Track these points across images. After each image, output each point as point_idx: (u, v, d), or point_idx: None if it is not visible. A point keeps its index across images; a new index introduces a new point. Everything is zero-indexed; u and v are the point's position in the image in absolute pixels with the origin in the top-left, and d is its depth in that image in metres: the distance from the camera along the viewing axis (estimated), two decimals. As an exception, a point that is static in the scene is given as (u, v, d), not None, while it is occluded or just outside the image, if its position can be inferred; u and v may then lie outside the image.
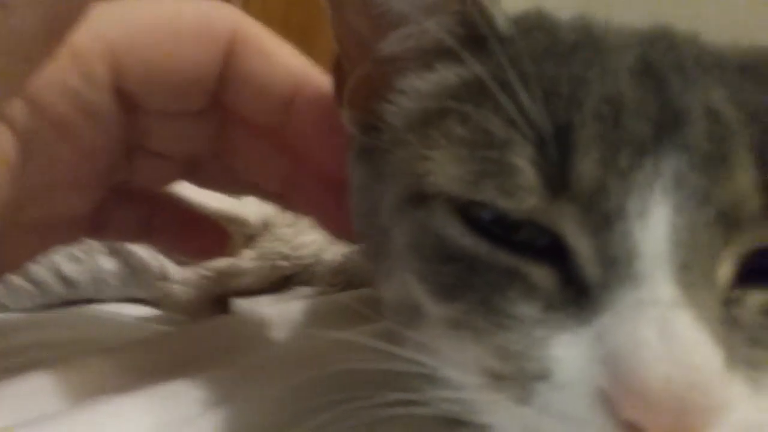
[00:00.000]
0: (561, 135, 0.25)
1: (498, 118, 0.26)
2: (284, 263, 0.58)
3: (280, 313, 0.47)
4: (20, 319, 0.55)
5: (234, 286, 0.58)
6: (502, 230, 0.26)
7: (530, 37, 0.28)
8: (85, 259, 0.61)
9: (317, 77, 0.36)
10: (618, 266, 0.24)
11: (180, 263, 0.61)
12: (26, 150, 0.33)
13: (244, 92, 0.36)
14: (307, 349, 0.38)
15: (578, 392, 0.23)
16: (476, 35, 0.28)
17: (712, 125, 0.25)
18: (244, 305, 0.56)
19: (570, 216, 0.25)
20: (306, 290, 0.60)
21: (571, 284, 0.25)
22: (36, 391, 0.32)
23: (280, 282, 0.61)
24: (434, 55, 0.30)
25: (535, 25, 0.29)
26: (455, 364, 0.26)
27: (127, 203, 0.41)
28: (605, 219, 0.24)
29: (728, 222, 0.24)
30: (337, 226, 0.39)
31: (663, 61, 0.27)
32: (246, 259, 0.58)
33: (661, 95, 0.26)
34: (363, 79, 0.32)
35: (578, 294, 0.24)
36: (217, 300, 0.59)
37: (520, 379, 0.24)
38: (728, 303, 0.24)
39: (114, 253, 0.62)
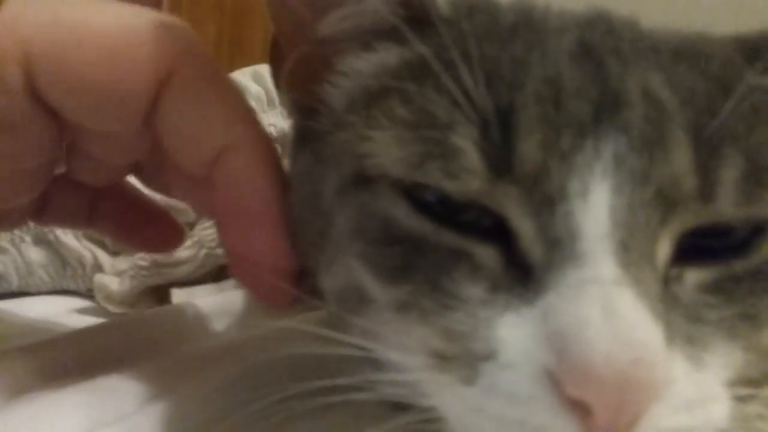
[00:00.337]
0: (503, 117, 0.25)
1: (441, 99, 0.26)
2: (221, 251, 0.57)
3: (219, 302, 0.46)
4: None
5: (172, 276, 0.57)
6: (447, 211, 0.26)
7: (471, 18, 0.28)
8: (9, 249, 0.59)
9: (252, 135, 0.32)
10: (560, 246, 0.24)
11: (113, 253, 0.60)
12: None
13: (170, 133, 0.32)
14: (248, 339, 0.38)
15: (524, 372, 0.23)
16: (416, 16, 0.28)
17: (649, 108, 0.25)
18: (181, 295, 0.55)
19: (513, 197, 0.25)
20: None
21: (515, 265, 0.25)
22: None
23: (220, 271, 0.60)
24: (374, 35, 0.29)
25: (475, 7, 0.29)
26: (401, 347, 0.26)
27: (69, 189, 0.39)
28: (547, 200, 0.24)
29: (666, 202, 0.25)
30: (249, 280, 0.35)
31: (602, 44, 0.27)
32: (182, 248, 0.56)
33: (600, 78, 0.26)
34: (301, 60, 0.31)
35: (523, 274, 0.25)
36: (155, 291, 0.58)
37: (466, 359, 0.24)
38: (668, 281, 0.25)
39: (41, 242, 0.60)
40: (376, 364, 0.26)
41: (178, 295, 0.56)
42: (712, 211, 0.25)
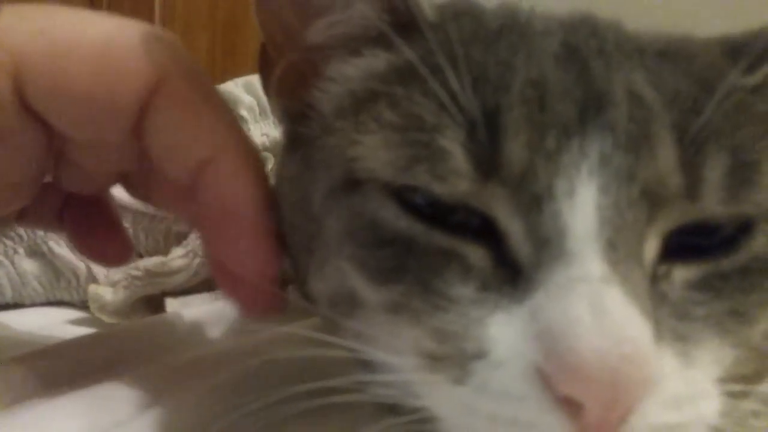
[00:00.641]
0: (490, 119, 0.25)
1: (428, 103, 0.26)
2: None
3: (213, 310, 0.46)
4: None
5: (166, 286, 0.57)
6: (436, 213, 0.26)
7: (457, 23, 0.29)
8: (2, 261, 0.59)
9: (237, 144, 0.32)
10: (549, 246, 0.24)
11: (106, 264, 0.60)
12: None
13: (156, 142, 0.32)
14: (241, 345, 0.38)
15: (515, 370, 0.23)
16: (402, 22, 0.29)
17: (634, 107, 0.26)
18: (175, 305, 0.55)
19: (501, 198, 0.25)
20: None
21: (505, 264, 0.25)
22: None
23: (213, 280, 0.60)
24: (361, 41, 0.30)
25: (460, 11, 0.30)
26: (393, 349, 0.26)
27: (47, 194, 0.39)
28: (535, 200, 0.25)
29: (652, 200, 0.25)
30: (233, 290, 0.34)
31: (586, 46, 0.28)
32: (175, 257, 0.56)
33: (585, 79, 0.26)
34: (290, 67, 0.32)
35: (512, 274, 0.25)
36: (150, 300, 0.57)
37: (457, 359, 0.24)
38: (656, 279, 0.25)
39: (34, 254, 0.60)
40: (369, 366, 0.27)
41: (172, 305, 0.56)
42: (699, 209, 0.25)
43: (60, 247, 0.59)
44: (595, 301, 0.23)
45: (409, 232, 0.26)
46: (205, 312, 0.46)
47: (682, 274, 0.26)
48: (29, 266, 0.60)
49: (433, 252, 0.26)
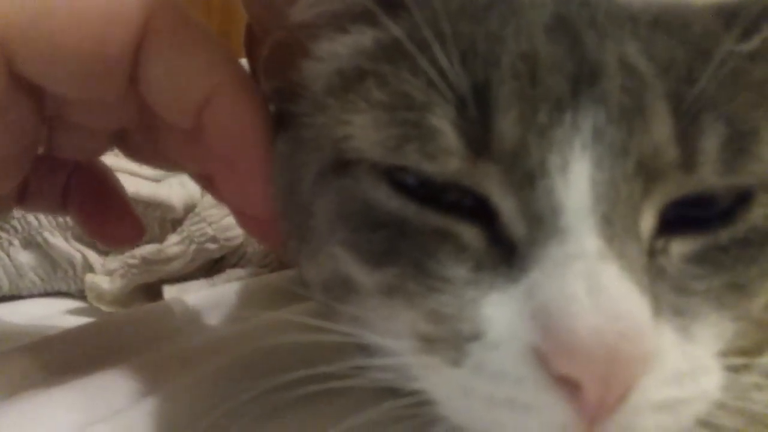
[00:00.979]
0: (480, 95, 0.25)
1: (416, 80, 0.26)
2: (212, 246, 0.57)
3: (210, 297, 0.46)
4: None
5: (162, 273, 0.57)
6: (428, 192, 0.26)
7: None
8: (-2, 254, 0.59)
9: (236, 76, 0.32)
10: (543, 223, 0.24)
11: (103, 253, 0.59)
12: None
13: (155, 88, 0.31)
14: (238, 331, 0.37)
15: (511, 350, 0.23)
16: None
17: (627, 78, 0.25)
18: (173, 291, 0.55)
19: (493, 176, 0.25)
20: (238, 272, 0.59)
21: (499, 243, 0.25)
22: None
23: (210, 265, 0.59)
24: (347, 18, 0.29)
25: None
26: (388, 332, 0.26)
27: (45, 171, 0.38)
28: (528, 177, 0.24)
29: (647, 173, 0.24)
30: (259, 230, 0.36)
31: (577, 16, 0.27)
32: (171, 244, 0.56)
33: (576, 51, 0.26)
34: (277, 46, 0.31)
35: (506, 252, 0.24)
36: (147, 288, 0.57)
37: (453, 341, 0.24)
38: (653, 253, 0.25)
39: (30, 245, 0.60)
40: (365, 351, 0.26)
41: (169, 292, 0.55)
42: (695, 181, 0.25)
43: (55, 237, 0.59)
44: (591, 278, 0.22)
45: (401, 213, 0.26)
46: (202, 298, 0.46)
47: (679, 247, 0.25)
48: (25, 258, 0.59)
49: (426, 232, 0.25)
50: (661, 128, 0.24)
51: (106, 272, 0.56)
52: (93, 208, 0.40)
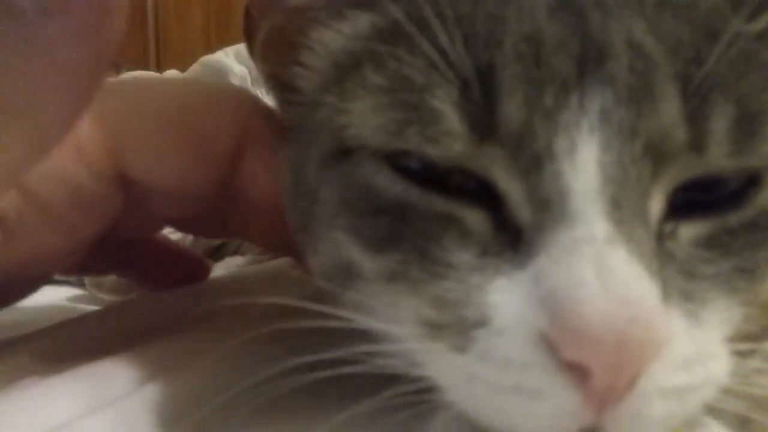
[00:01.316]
0: (483, 76, 0.24)
1: (417, 62, 0.25)
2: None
3: (209, 284, 0.46)
4: None
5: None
6: (431, 176, 0.25)
7: None
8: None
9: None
10: (550, 207, 0.23)
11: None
12: (8, 234, 0.31)
13: (252, 180, 0.34)
14: (240, 318, 0.37)
15: (518, 336, 0.23)
16: None
17: (634, 58, 0.25)
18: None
19: (498, 159, 0.24)
20: (237, 260, 0.59)
21: (505, 228, 0.24)
22: None
23: (209, 253, 0.59)
24: (343, 2, 0.29)
25: None
26: (393, 318, 0.25)
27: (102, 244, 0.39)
28: (534, 160, 0.24)
29: (656, 156, 0.24)
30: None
31: None
32: (169, 232, 0.55)
33: (582, 30, 0.25)
34: (274, 30, 0.31)
35: (513, 238, 0.24)
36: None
37: (458, 327, 0.24)
38: (662, 237, 0.24)
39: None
40: (369, 337, 0.26)
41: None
42: (704, 163, 0.25)
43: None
44: (599, 263, 0.22)
45: (404, 198, 0.25)
46: (201, 285, 0.45)
47: (688, 231, 0.25)
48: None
49: (430, 217, 0.25)
50: (669, 109, 0.24)
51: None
52: (145, 266, 0.43)
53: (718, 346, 0.24)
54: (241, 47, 0.63)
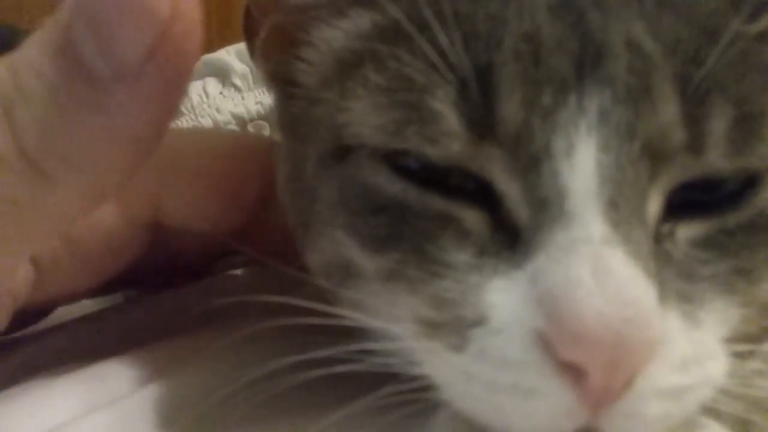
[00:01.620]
0: (482, 76, 0.24)
1: (416, 62, 0.25)
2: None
3: (209, 283, 0.46)
4: None
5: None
6: (430, 176, 0.25)
7: None
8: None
9: None
10: (548, 207, 0.23)
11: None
12: (41, 275, 0.32)
13: (280, 224, 0.35)
14: (239, 316, 0.37)
15: (515, 336, 0.23)
16: None
17: (633, 58, 0.25)
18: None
19: (497, 159, 0.24)
20: (235, 260, 0.59)
21: (502, 228, 0.25)
22: None
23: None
24: (346, 1, 0.29)
25: None
26: (391, 317, 0.26)
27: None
28: (532, 160, 0.24)
29: (654, 156, 0.24)
30: None
31: None
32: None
33: (581, 30, 0.25)
34: (275, 29, 0.31)
35: (510, 237, 0.24)
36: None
37: (455, 326, 0.24)
38: (659, 238, 0.24)
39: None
40: (367, 335, 0.26)
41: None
42: (703, 164, 0.25)
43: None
44: (597, 263, 0.22)
45: (402, 197, 0.26)
46: (198, 288, 0.45)
47: (686, 232, 0.25)
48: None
49: (428, 217, 0.25)
50: (668, 110, 0.24)
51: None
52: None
53: (715, 347, 0.24)
54: (243, 46, 0.63)
